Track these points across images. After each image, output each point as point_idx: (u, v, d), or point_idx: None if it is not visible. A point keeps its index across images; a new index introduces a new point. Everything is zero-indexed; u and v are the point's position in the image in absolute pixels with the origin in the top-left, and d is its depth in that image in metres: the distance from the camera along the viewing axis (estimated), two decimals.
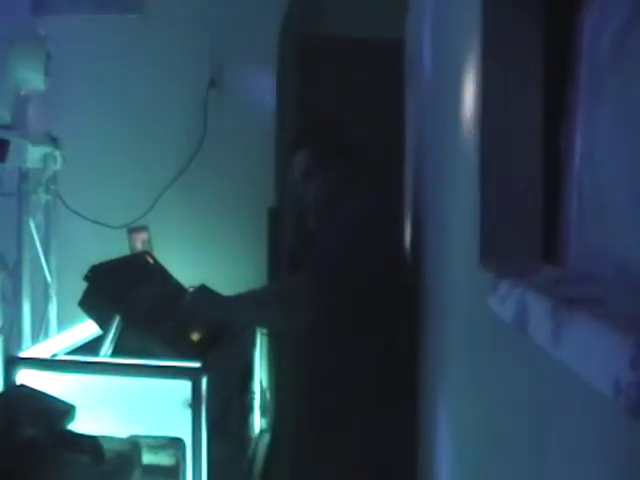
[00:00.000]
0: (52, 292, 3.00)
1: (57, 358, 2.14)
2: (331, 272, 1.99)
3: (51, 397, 1.89)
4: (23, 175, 2.75)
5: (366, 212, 2.19)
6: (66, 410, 1.85)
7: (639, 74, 0.83)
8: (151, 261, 2.60)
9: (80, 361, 2.12)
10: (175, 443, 1.96)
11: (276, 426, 3.17)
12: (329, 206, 2.24)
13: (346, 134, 2.38)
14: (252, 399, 2.82)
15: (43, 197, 2.97)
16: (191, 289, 2.42)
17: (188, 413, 1.96)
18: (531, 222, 1.13)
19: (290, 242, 3.51)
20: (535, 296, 0.84)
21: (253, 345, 2.85)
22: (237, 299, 2.23)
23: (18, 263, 2.73)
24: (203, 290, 2.26)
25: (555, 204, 1.09)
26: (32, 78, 2.75)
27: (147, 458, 1.93)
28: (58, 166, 2.96)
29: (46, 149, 2.88)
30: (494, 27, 1.13)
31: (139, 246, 3.08)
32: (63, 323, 2.86)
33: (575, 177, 1.03)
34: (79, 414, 1.88)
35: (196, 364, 2.02)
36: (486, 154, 1.14)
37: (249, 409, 2.77)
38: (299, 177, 2.33)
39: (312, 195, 2.28)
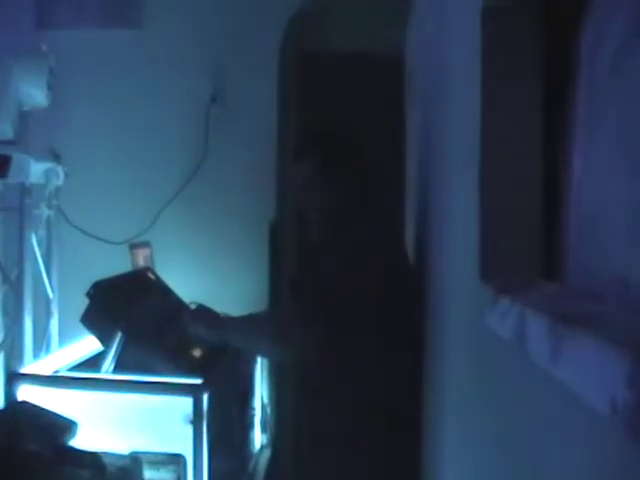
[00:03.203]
0: (53, 307, 3.01)
1: (59, 374, 2.14)
2: (333, 308, 1.92)
3: (53, 413, 1.89)
4: (25, 190, 2.76)
5: (371, 244, 2.10)
6: (68, 426, 1.85)
7: (636, 95, 0.84)
8: (153, 277, 2.61)
9: (82, 377, 2.12)
10: (176, 459, 1.96)
11: (277, 442, 3.16)
12: (333, 224, 2.15)
13: (357, 148, 2.25)
14: (253, 415, 2.81)
15: (45, 212, 2.98)
16: (192, 305, 2.42)
17: (189, 429, 1.96)
18: (531, 239, 1.13)
19: (292, 262, 3.50)
20: (534, 313, 0.84)
21: (254, 361, 2.85)
22: (234, 325, 2.20)
23: (20, 278, 2.73)
24: (200, 311, 2.23)
25: (554, 221, 1.10)
26: (35, 94, 2.76)
27: (148, 474, 1.93)
28: (60, 181, 2.97)
29: (48, 164, 2.89)
30: (493, 46, 1.14)
31: (141, 262, 3.09)
32: (64, 338, 2.86)
33: (574, 194, 1.04)
34: (81, 430, 1.88)
35: (197, 381, 2.02)
36: (486, 172, 1.15)
37: (250, 425, 2.77)
38: (302, 187, 2.20)
39: (315, 208, 2.17)
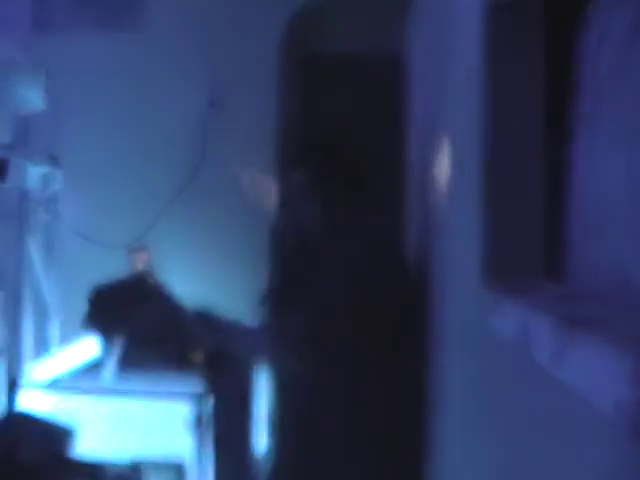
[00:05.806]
0: (52, 312, 2.99)
1: (59, 380, 2.13)
2: (333, 323, 1.88)
3: (52, 421, 1.88)
4: (23, 195, 2.75)
5: (370, 254, 2.06)
6: (66, 434, 1.84)
7: (638, 92, 0.83)
8: (152, 281, 2.60)
9: (82, 383, 2.11)
10: (178, 465, 1.95)
11: (279, 447, 3.14)
12: (327, 237, 2.09)
13: (350, 156, 2.22)
14: (254, 420, 2.80)
15: (43, 217, 2.97)
16: (192, 309, 2.40)
17: (191, 436, 1.95)
18: (533, 240, 1.12)
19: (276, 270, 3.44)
20: (537, 315, 0.83)
21: (256, 367, 2.83)
22: (236, 334, 2.13)
23: (18, 283, 2.72)
24: (204, 316, 2.18)
25: (557, 222, 1.09)
26: (32, 97, 2.76)
27: None
28: (58, 186, 2.96)
29: (46, 169, 2.88)
30: (495, 44, 1.14)
31: (140, 266, 3.07)
32: (64, 343, 2.85)
33: (576, 195, 1.03)
34: (81, 436, 1.87)
35: (198, 387, 2.01)
36: (488, 173, 1.14)
37: (252, 431, 2.75)
38: (298, 190, 2.17)
39: (308, 219, 2.13)
